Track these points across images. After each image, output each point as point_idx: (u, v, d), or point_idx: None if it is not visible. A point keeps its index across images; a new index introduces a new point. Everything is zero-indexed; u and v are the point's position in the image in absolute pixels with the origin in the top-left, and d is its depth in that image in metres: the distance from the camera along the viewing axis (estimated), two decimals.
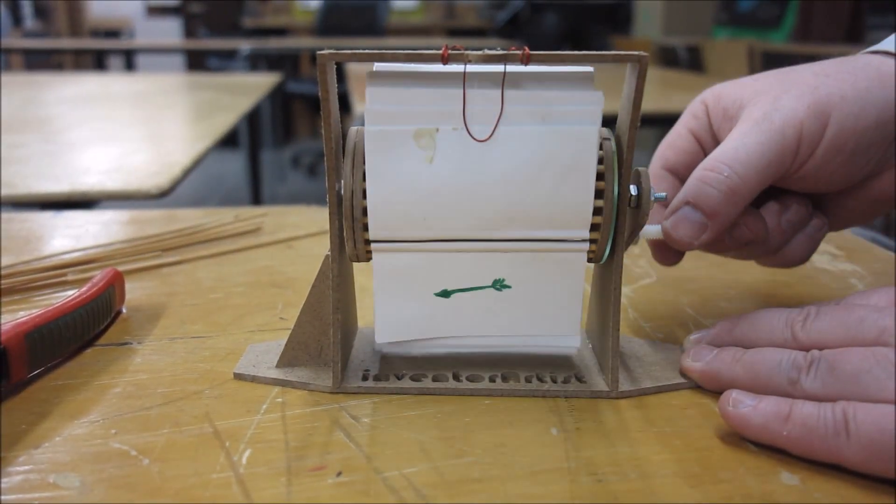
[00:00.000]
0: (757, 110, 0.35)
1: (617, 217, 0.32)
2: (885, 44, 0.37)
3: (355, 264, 0.35)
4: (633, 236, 0.34)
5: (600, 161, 0.31)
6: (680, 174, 0.40)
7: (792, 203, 0.38)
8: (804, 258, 0.39)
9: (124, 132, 1.05)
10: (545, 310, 0.33)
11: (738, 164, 0.34)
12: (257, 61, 3.35)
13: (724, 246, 0.37)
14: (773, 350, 0.31)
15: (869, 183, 0.37)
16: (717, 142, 0.38)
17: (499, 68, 0.30)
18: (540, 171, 0.30)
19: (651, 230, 0.36)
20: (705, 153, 0.38)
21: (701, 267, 0.50)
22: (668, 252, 0.39)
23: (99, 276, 0.40)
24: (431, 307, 0.33)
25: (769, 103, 0.35)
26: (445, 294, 0.33)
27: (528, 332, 0.34)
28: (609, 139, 0.32)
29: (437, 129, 0.30)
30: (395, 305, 0.33)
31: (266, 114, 3.08)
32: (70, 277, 0.46)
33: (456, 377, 0.34)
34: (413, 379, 0.34)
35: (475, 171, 0.30)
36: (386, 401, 0.32)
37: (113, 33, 5.09)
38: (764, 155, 0.34)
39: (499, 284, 0.33)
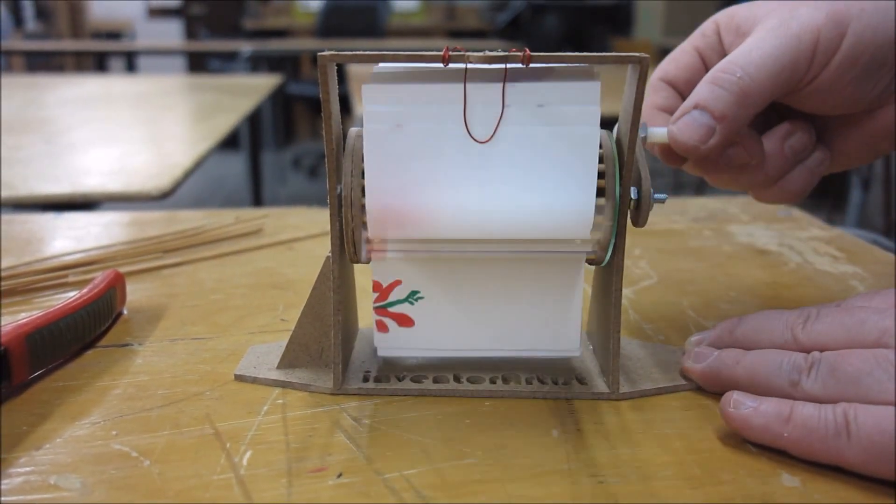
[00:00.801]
0: (773, 19, 0.35)
1: (618, 219, 0.32)
2: None
3: (356, 266, 0.35)
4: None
5: (601, 162, 0.31)
6: (679, 88, 0.39)
7: (797, 129, 0.37)
8: (802, 192, 0.38)
9: (125, 134, 1.05)
10: (545, 312, 0.33)
11: (751, 66, 0.33)
12: (258, 63, 3.35)
13: (719, 167, 0.37)
14: (773, 352, 0.31)
15: (873, 115, 0.37)
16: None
17: (499, 69, 0.30)
18: (541, 172, 0.30)
19: (657, 132, 0.35)
20: (708, 70, 0.37)
21: (701, 269, 0.50)
22: (673, 155, 0.38)
23: (100, 278, 0.40)
24: (431, 308, 0.33)
25: (786, 12, 0.35)
26: (445, 294, 0.33)
27: (528, 334, 0.34)
28: (610, 140, 0.32)
29: (439, 130, 0.30)
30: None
31: (267, 115, 3.08)
32: (71, 279, 0.46)
33: (457, 379, 0.34)
34: (414, 380, 0.34)
35: (476, 173, 0.30)
36: (387, 402, 0.32)
37: (114, 35, 5.09)
38: (779, 59, 0.33)
39: (499, 286, 0.33)
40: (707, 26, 0.39)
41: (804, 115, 0.38)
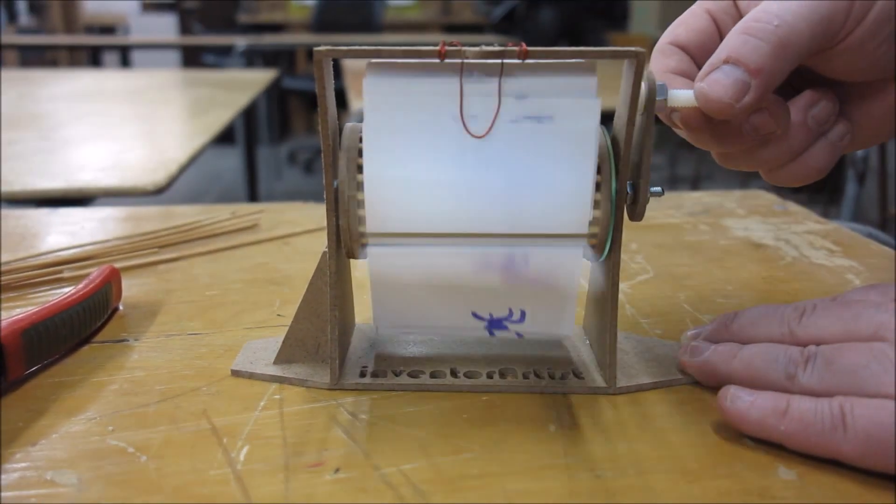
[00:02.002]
0: None
1: (615, 213, 0.32)
2: None
3: (352, 261, 0.35)
4: (651, 108, 0.31)
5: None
6: (691, 52, 0.36)
7: (821, 98, 0.34)
8: (825, 168, 0.35)
9: (120, 129, 1.05)
10: (542, 305, 0.33)
11: (788, 13, 0.30)
12: (253, 58, 3.34)
13: (740, 139, 0.34)
14: (770, 346, 0.31)
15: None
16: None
17: (496, 64, 0.30)
18: (537, 167, 0.30)
19: (680, 95, 0.32)
20: (722, 35, 0.35)
21: (698, 263, 0.50)
22: (701, 126, 0.34)
23: (95, 273, 0.39)
24: (427, 303, 0.33)
25: None
26: (442, 290, 0.33)
27: (524, 327, 0.34)
28: (604, 135, 0.32)
29: (435, 125, 0.30)
30: (391, 301, 0.33)
31: (262, 110, 3.07)
32: (66, 274, 0.46)
33: (453, 373, 0.34)
34: (411, 375, 0.34)
35: (472, 167, 0.30)
36: (384, 397, 0.32)
37: (108, 29, 5.07)
38: (817, 7, 0.30)
39: (496, 280, 0.33)
40: None
41: (826, 83, 0.35)
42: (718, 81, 0.31)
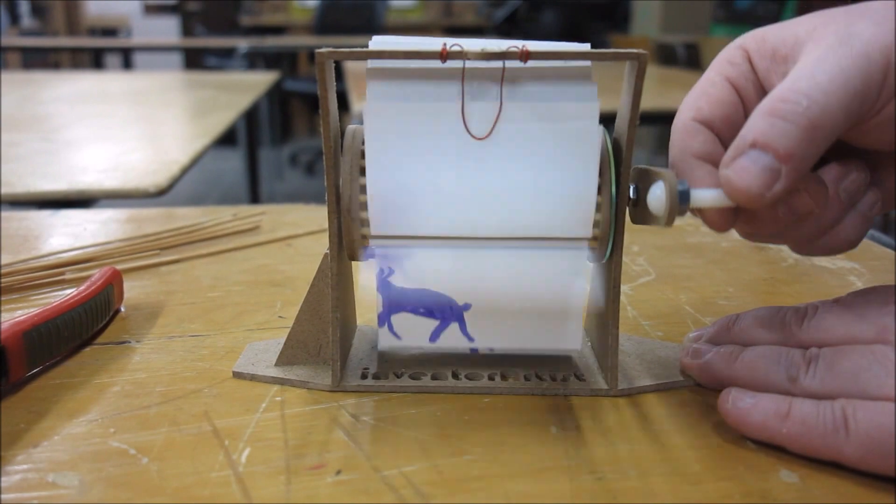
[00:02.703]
0: (828, 37, 0.29)
1: (616, 215, 0.31)
2: None
3: (354, 263, 0.35)
4: (672, 214, 0.29)
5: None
6: (716, 128, 0.32)
7: (852, 169, 0.32)
8: (856, 240, 0.33)
9: (122, 131, 1.05)
10: (547, 309, 0.33)
11: (818, 92, 0.27)
12: (255, 59, 3.34)
13: (774, 222, 0.31)
14: (771, 348, 0.31)
15: None
16: (762, 90, 0.32)
17: (497, 65, 0.30)
18: (540, 168, 0.30)
19: (706, 196, 0.30)
20: (746, 105, 0.32)
21: (699, 265, 0.50)
22: (726, 215, 0.31)
23: (97, 275, 0.40)
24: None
25: (842, 28, 0.29)
26: (444, 291, 0.33)
27: (530, 331, 0.34)
28: (605, 138, 0.32)
29: (437, 127, 0.30)
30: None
31: (264, 112, 3.08)
32: (68, 276, 0.46)
33: (455, 375, 0.34)
34: (412, 377, 0.34)
35: (474, 169, 0.30)
36: (385, 399, 0.32)
37: (110, 32, 5.08)
38: (849, 83, 0.27)
39: (498, 284, 0.33)
40: (733, 53, 0.33)
41: (855, 152, 0.33)
42: (746, 169, 0.28)
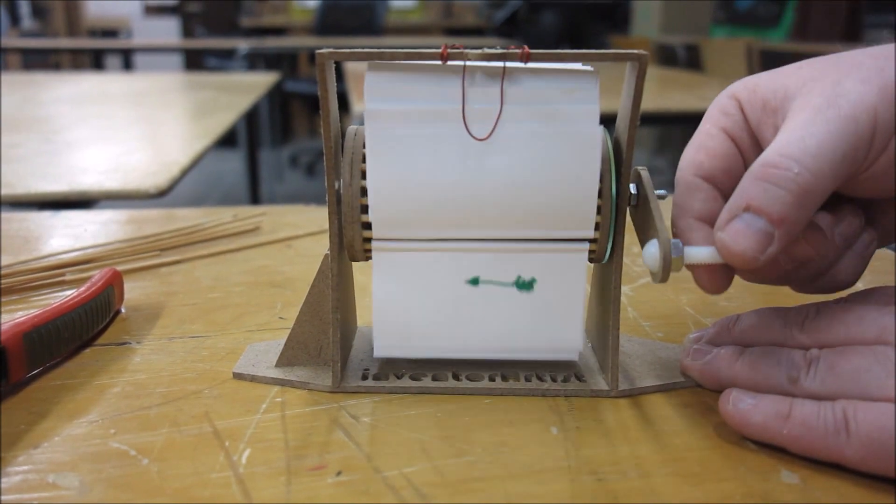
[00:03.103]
0: (816, 97, 0.30)
1: (616, 216, 0.32)
2: None
3: (354, 264, 0.35)
4: (667, 271, 0.30)
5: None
6: (717, 181, 0.33)
7: (846, 214, 0.33)
8: (852, 280, 0.34)
9: (122, 132, 1.05)
10: (547, 310, 0.33)
11: (808, 157, 0.28)
12: (255, 60, 3.34)
13: (777, 267, 0.32)
14: (772, 349, 0.31)
15: None
16: (755, 140, 0.33)
17: (498, 66, 0.30)
18: (540, 169, 0.30)
19: (699, 253, 0.30)
20: (744, 155, 0.33)
21: None
22: (718, 275, 0.32)
23: (97, 276, 0.40)
24: (431, 306, 0.33)
25: (829, 88, 0.30)
26: (445, 292, 0.33)
27: (530, 333, 0.34)
28: (606, 138, 0.32)
29: (438, 128, 0.30)
30: (394, 306, 0.33)
31: (264, 113, 3.08)
32: (68, 277, 0.46)
33: (456, 376, 0.34)
34: (413, 378, 0.34)
35: (475, 170, 0.30)
36: (386, 400, 0.32)
37: (110, 33, 5.08)
38: (838, 147, 0.28)
39: (499, 284, 0.33)
40: (725, 104, 0.34)
41: (849, 197, 0.33)
42: (741, 232, 0.29)
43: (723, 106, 0.34)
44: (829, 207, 0.33)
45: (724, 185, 0.33)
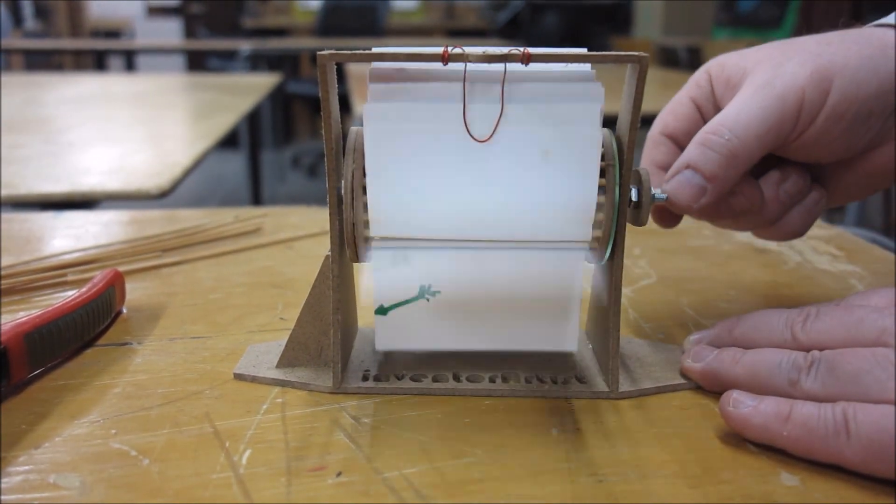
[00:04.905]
0: (759, 77, 0.36)
1: (617, 218, 0.32)
2: (888, 18, 0.37)
3: (355, 265, 0.35)
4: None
5: (602, 160, 0.31)
6: (678, 141, 0.40)
7: (791, 174, 0.37)
8: (800, 231, 0.39)
9: (125, 133, 1.05)
10: (545, 310, 0.33)
11: (739, 127, 0.34)
12: (257, 62, 3.35)
13: (720, 214, 0.37)
14: (773, 351, 0.31)
15: (867, 156, 0.37)
16: (718, 110, 0.38)
17: (499, 68, 0.30)
18: (541, 171, 0.30)
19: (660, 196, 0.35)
20: (705, 121, 0.38)
21: (701, 268, 0.50)
22: (667, 215, 0.39)
23: (99, 277, 0.40)
24: (431, 307, 0.33)
25: (771, 69, 0.35)
26: (445, 294, 0.33)
27: (528, 332, 0.34)
28: (609, 140, 0.32)
29: (438, 130, 0.30)
30: (395, 293, 0.33)
31: (266, 114, 3.08)
32: (70, 278, 0.46)
33: (456, 378, 0.34)
34: (413, 379, 0.34)
35: (476, 172, 0.30)
36: (386, 401, 0.32)
37: (113, 34, 5.09)
38: (765, 120, 0.34)
39: (499, 285, 0.33)
40: (700, 76, 0.40)
41: (795, 161, 0.38)
42: (680, 184, 0.35)
43: (697, 79, 0.40)
44: (778, 169, 0.38)
45: (683, 144, 0.39)
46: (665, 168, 0.39)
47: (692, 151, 0.35)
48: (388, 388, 0.33)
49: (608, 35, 4.49)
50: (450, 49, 0.29)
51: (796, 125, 0.35)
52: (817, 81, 0.34)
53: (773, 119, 0.34)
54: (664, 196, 0.35)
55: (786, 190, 0.37)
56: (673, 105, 0.41)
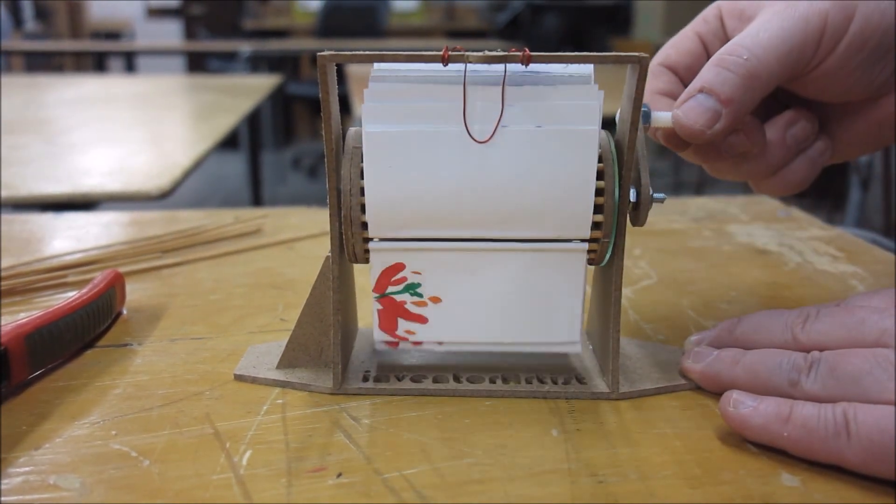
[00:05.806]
0: (779, 3, 0.34)
1: (617, 219, 0.32)
2: None
3: (356, 266, 0.35)
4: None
5: (600, 161, 0.31)
6: (679, 74, 0.38)
7: (800, 118, 0.36)
8: (803, 182, 0.37)
9: (125, 134, 1.06)
10: (546, 312, 0.33)
11: (758, 47, 0.32)
12: (258, 63, 3.35)
13: (720, 156, 0.36)
14: (773, 351, 0.31)
15: (878, 102, 0.36)
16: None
17: (499, 69, 0.30)
18: (540, 172, 0.30)
19: (661, 117, 0.34)
20: (709, 57, 0.36)
21: (701, 268, 0.50)
22: (676, 139, 0.36)
23: (99, 278, 0.40)
24: (430, 309, 0.33)
25: None
26: (444, 295, 0.33)
27: (529, 334, 0.34)
28: (609, 141, 0.32)
29: (437, 130, 0.30)
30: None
31: (266, 115, 3.08)
32: (71, 279, 0.46)
33: (456, 378, 0.34)
34: (413, 380, 0.34)
35: (475, 172, 0.30)
36: (386, 402, 0.32)
37: (113, 35, 5.09)
38: (786, 41, 0.33)
39: (499, 286, 0.33)
40: (709, 12, 0.38)
41: (807, 104, 0.37)
42: (692, 109, 0.33)
43: (706, 14, 0.39)
44: (788, 110, 0.36)
45: (684, 78, 0.38)
46: (669, 96, 0.37)
47: (707, 73, 0.33)
48: (389, 388, 0.33)
49: (608, 36, 4.49)
50: (449, 50, 0.29)
51: (817, 50, 0.33)
52: (841, 6, 0.33)
53: (795, 40, 0.33)
54: (662, 196, 0.33)
55: (793, 134, 0.36)
56: (676, 39, 0.39)
